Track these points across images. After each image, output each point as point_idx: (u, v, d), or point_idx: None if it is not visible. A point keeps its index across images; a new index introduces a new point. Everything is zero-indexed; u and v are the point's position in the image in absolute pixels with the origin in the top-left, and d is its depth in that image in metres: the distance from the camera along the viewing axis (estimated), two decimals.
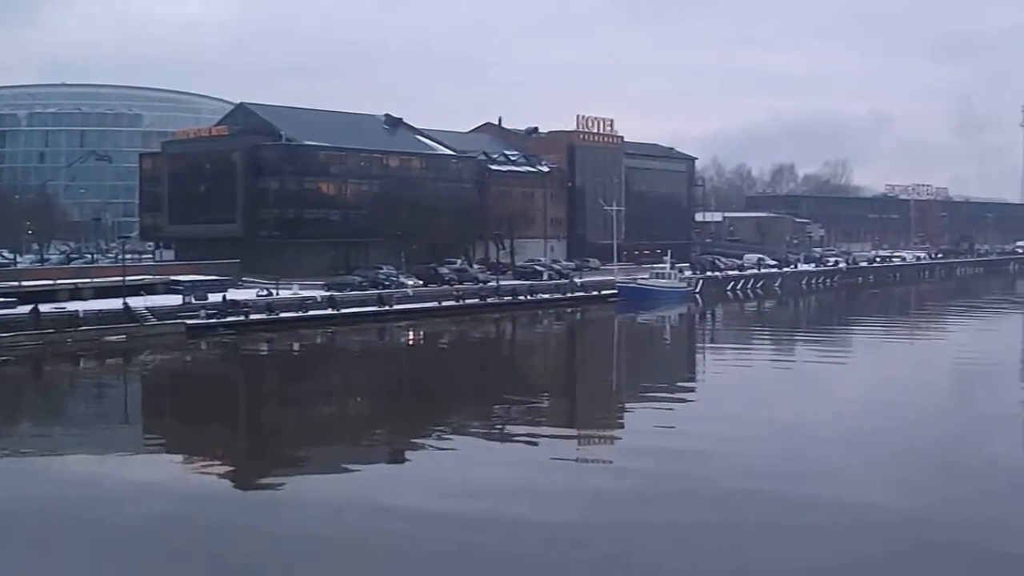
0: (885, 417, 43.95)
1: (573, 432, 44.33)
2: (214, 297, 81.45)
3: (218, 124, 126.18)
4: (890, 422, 42.63)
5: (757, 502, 30.15)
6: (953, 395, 51.45)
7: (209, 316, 77.66)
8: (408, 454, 38.81)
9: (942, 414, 44.84)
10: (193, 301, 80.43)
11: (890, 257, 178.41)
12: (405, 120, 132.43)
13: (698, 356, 77.10)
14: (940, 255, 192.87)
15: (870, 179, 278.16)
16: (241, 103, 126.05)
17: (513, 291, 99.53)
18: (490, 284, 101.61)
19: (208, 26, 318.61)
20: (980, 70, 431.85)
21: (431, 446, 39.90)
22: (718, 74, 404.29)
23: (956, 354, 68.87)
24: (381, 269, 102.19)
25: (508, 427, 43.81)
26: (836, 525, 27.76)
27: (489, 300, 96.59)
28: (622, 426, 45.72)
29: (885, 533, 26.85)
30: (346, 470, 35.95)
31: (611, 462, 37.75)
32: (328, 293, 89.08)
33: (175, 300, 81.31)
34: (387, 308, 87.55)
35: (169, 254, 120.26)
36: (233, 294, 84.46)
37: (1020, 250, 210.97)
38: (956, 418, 43.95)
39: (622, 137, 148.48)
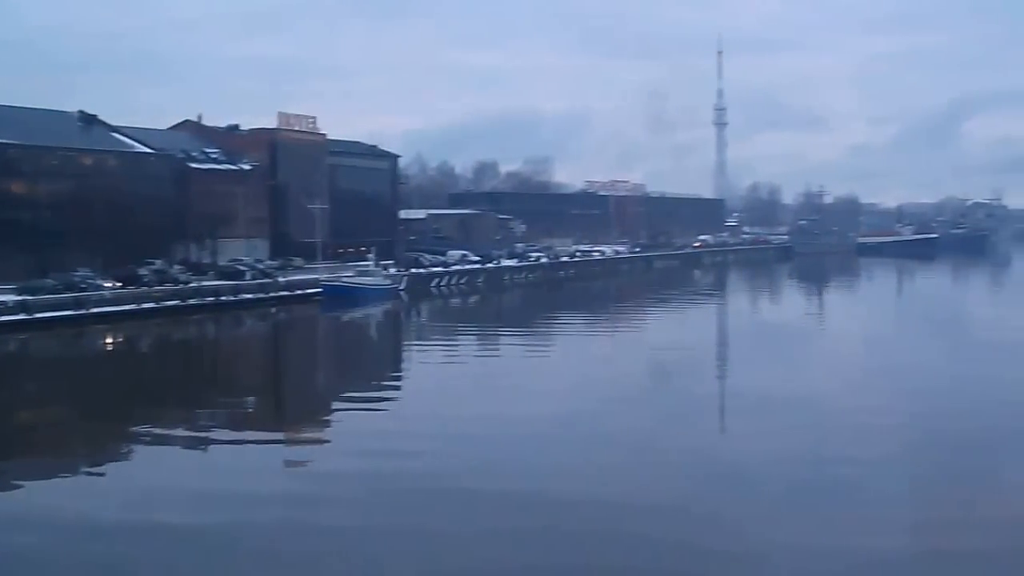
0: (582, 410, 45.67)
1: (275, 437, 43.85)
2: None
3: None
4: (586, 414, 44.46)
5: (450, 504, 30.84)
6: (645, 385, 53.83)
7: None
8: (74, 476, 36.43)
9: (635, 404, 47.03)
10: None
11: (590, 252, 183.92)
12: (100, 117, 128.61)
13: (403, 354, 77.91)
14: (639, 249, 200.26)
15: (571, 176, 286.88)
16: None
17: (216, 292, 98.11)
18: (191, 285, 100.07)
19: None
20: (674, 70, 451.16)
21: (120, 457, 38.96)
22: (421, 72, 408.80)
23: (650, 345, 72.24)
24: (77, 272, 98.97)
25: (203, 434, 43.09)
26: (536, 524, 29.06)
27: (191, 301, 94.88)
28: (324, 429, 45.69)
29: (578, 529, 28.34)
30: None
31: (315, 460, 38.22)
32: (20, 297, 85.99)
33: None
34: (84, 312, 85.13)
35: None
36: None
37: (704, 242, 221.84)
38: (646, 408, 46.22)
39: (325, 135, 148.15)
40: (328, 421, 47.30)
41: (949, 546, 26.32)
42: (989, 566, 25.16)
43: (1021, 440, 38.68)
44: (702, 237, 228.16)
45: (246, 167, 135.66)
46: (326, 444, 42.23)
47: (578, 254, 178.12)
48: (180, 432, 43.78)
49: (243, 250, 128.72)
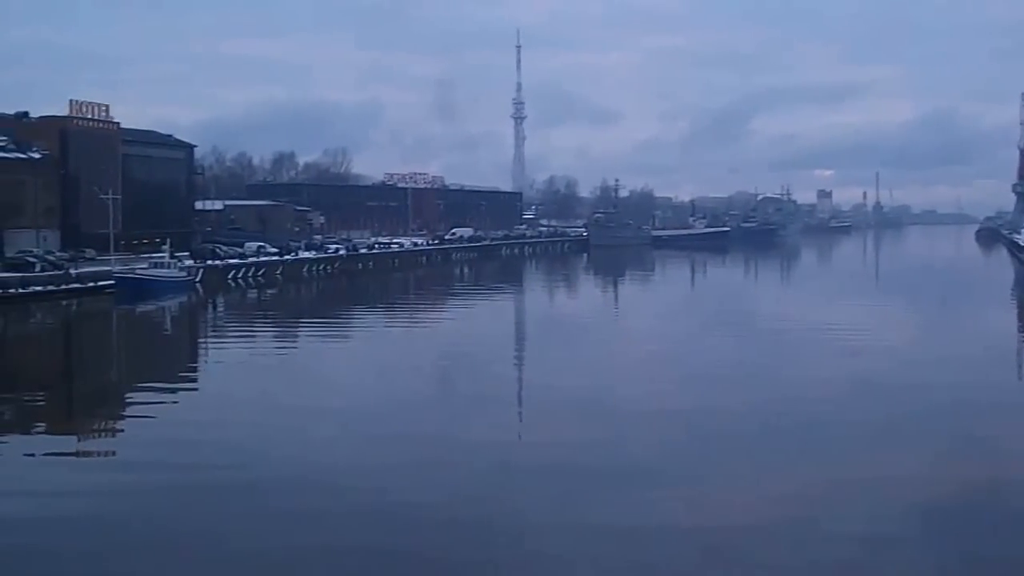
0: (377, 403, 46.62)
1: (69, 429, 43.67)
2: None
3: None
4: (382, 407, 45.35)
5: (245, 496, 31.33)
6: (442, 380, 54.83)
7: None
8: None
9: (430, 399, 48.03)
10: None
11: (389, 244, 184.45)
12: None
13: (199, 347, 77.39)
14: (437, 241, 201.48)
15: (370, 168, 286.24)
16: None
17: (3, 284, 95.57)
18: None
19: None
20: (467, 64, 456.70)
21: None
22: (209, 63, 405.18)
23: (450, 338, 73.49)
24: None
25: None
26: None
27: None
28: (119, 422, 45.09)
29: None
30: None
31: (114, 453, 38.26)
32: None
33: None
34: None
35: None
36: None
37: (456, 234, 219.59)
38: (445, 403, 47.31)
39: (118, 123, 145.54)
40: (123, 415, 46.89)
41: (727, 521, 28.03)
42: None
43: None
44: (456, 230, 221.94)
45: (36, 156, 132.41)
46: (120, 435, 42.07)
47: (377, 246, 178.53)
48: None
49: (33, 241, 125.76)
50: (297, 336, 79.79)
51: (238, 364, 62.21)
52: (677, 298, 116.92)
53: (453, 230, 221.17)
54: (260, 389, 51.02)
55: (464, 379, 54.37)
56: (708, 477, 32.78)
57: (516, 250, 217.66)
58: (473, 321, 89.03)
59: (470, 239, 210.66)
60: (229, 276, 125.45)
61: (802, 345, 65.96)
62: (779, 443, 37.38)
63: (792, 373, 54.31)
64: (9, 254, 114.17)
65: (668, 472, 33.59)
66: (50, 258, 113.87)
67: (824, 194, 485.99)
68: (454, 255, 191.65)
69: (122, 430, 43.29)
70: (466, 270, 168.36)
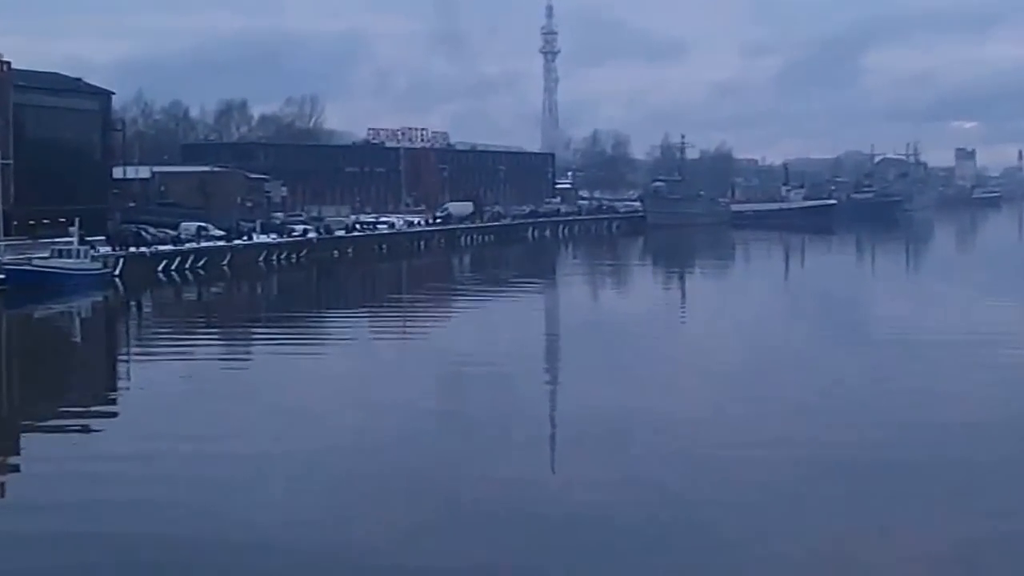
0: (355, 444, 46.65)
1: None
2: None
3: None
4: (366, 450, 45.26)
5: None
6: (444, 415, 54.41)
7: None
8: None
9: (428, 440, 47.77)
10: None
11: (375, 224, 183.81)
12: None
13: (120, 363, 77.37)
14: (440, 220, 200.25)
15: (349, 122, 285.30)
16: None
17: None
18: None
19: None
20: None
21: None
22: None
23: (450, 357, 72.94)
24: None
25: None
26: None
27: None
28: (11, 474, 45.10)
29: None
30: None
31: None
32: None
33: None
34: None
35: None
36: None
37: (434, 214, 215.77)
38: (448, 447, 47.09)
39: (9, 63, 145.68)
40: (14, 458, 46.67)
41: None
42: None
43: None
44: (451, 206, 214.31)
45: None
46: (9, 491, 41.87)
47: (358, 227, 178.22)
48: None
49: None
50: (249, 350, 79.67)
51: (169, 386, 61.82)
52: (766, 298, 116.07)
53: (445, 206, 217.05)
54: (198, 421, 50.78)
55: (474, 414, 53.81)
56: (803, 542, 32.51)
57: (547, 232, 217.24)
58: (486, 332, 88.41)
59: (488, 218, 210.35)
60: (159, 268, 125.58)
61: (940, 362, 65.31)
62: (904, 497, 37.05)
63: (925, 398, 53.81)
64: None
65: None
66: None
67: (965, 154, 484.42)
68: (462, 239, 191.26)
69: (12, 479, 42.99)
70: (478, 259, 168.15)
